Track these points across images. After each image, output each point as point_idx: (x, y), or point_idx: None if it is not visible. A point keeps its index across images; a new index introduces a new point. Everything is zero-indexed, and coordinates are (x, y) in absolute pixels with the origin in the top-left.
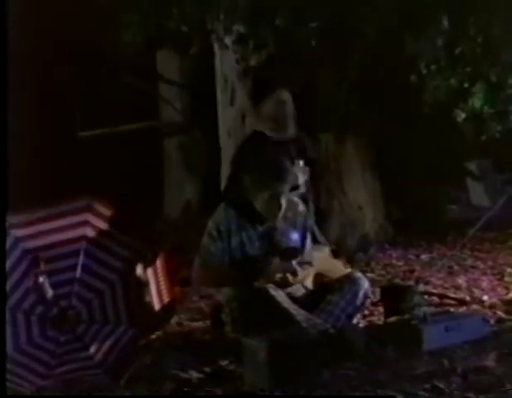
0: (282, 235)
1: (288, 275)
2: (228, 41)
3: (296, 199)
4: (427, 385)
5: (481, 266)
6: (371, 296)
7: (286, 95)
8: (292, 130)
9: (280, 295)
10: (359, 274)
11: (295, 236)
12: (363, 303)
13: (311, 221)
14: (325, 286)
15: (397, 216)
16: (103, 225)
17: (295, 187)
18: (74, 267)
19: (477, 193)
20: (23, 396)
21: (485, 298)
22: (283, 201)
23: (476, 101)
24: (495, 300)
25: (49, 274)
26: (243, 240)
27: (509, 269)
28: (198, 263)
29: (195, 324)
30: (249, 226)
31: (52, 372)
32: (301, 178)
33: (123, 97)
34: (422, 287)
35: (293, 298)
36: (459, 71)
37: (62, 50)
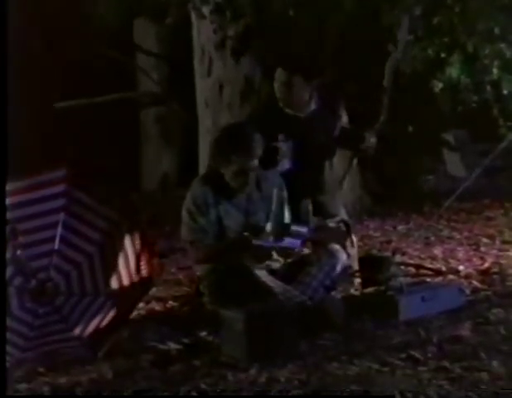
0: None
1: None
2: (205, 10)
3: (273, 171)
4: (403, 355)
5: (457, 237)
6: (349, 269)
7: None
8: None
9: (257, 267)
10: (337, 247)
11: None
12: (341, 276)
13: (286, 193)
14: (303, 259)
15: (374, 187)
16: (81, 197)
17: (274, 163)
18: (52, 239)
19: (454, 164)
20: (23, 396)
21: (461, 268)
22: (251, 177)
23: (453, 71)
24: (470, 270)
25: (27, 246)
26: (219, 214)
27: (484, 240)
28: (188, 245)
29: (174, 295)
30: (225, 200)
31: (31, 344)
32: (286, 154)
33: (100, 68)
34: (398, 257)
35: (271, 271)
36: (436, 41)
37: (39, 22)
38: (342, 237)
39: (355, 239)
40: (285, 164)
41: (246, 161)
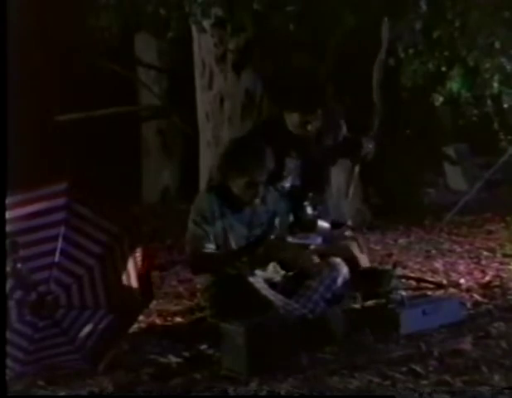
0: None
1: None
2: (206, 24)
3: (277, 185)
4: (404, 369)
5: (458, 250)
6: (350, 282)
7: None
8: None
9: (258, 281)
10: (338, 260)
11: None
12: (341, 289)
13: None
14: (303, 272)
15: (374, 201)
16: (81, 210)
17: (279, 177)
18: (52, 252)
19: (454, 177)
20: (23, 396)
21: (462, 281)
22: (261, 190)
23: (454, 85)
24: (471, 284)
25: (27, 259)
26: (225, 227)
27: (485, 253)
28: (189, 251)
29: (174, 309)
30: (229, 212)
31: (30, 358)
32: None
33: (101, 81)
34: (399, 271)
35: (271, 284)
36: (437, 55)
37: (40, 35)
38: (348, 249)
39: (364, 248)
40: (289, 181)
41: (259, 173)
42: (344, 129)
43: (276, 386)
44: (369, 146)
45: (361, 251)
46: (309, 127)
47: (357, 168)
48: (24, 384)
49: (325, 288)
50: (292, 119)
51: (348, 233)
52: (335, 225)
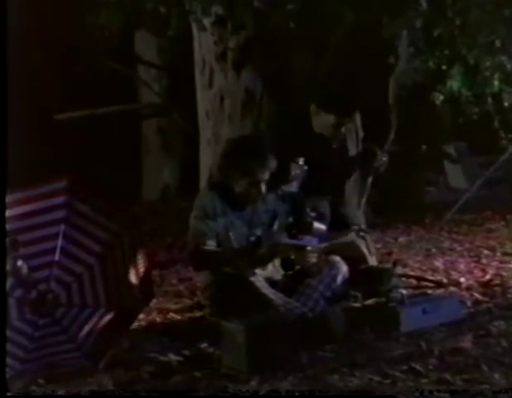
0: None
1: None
2: (206, 22)
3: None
4: (405, 367)
5: (459, 248)
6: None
7: None
8: None
9: (258, 280)
10: (337, 258)
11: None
12: (341, 287)
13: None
14: (303, 270)
15: (375, 199)
16: (81, 208)
17: (284, 181)
18: (53, 250)
19: (455, 176)
20: (23, 396)
21: (462, 280)
22: (263, 188)
23: (454, 84)
24: (471, 282)
25: (28, 257)
26: (226, 224)
27: (486, 252)
28: (192, 247)
29: (174, 307)
30: (231, 210)
31: (31, 356)
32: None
33: (101, 79)
34: (399, 269)
35: (272, 282)
36: (437, 54)
37: (40, 34)
38: (356, 247)
39: (373, 249)
40: (292, 187)
41: (261, 172)
42: (360, 134)
43: (276, 385)
44: (382, 158)
45: (370, 253)
46: (342, 129)
47: (370, 179)
48: (24, 382)
49: (325, 286)
50: (325, 120)
51: (360, 234)
52: (348, 226)
